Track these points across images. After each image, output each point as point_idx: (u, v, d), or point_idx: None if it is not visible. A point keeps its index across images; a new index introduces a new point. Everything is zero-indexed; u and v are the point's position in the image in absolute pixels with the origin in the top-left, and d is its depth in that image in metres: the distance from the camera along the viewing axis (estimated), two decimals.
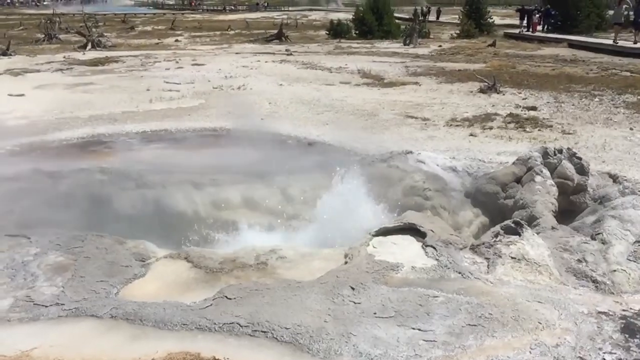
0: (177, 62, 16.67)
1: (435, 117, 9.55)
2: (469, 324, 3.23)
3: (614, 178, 6.12)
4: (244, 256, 4.28)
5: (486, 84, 11.95)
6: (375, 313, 3.36)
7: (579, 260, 4.09)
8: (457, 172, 6.47)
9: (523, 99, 11.09)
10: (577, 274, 3.97)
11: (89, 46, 20.92)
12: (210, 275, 4.06)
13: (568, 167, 5.92)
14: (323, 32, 29.36)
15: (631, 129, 8.55)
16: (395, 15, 30.56)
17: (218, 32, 30.30)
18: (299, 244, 4.91)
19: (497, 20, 31.13)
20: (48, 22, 25.49)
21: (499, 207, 5.82)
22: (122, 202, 6.02)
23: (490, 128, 8.75)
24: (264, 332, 3.20)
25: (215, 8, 62.94)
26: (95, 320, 3.40)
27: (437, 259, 4.05)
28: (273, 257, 4.24)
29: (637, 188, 5.73)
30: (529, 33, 26.36)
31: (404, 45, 22.88)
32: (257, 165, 6.72)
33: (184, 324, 3.30)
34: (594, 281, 3.85)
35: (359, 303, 3.47)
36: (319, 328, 3.20)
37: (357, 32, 27.54)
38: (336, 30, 27.62)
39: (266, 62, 16.93)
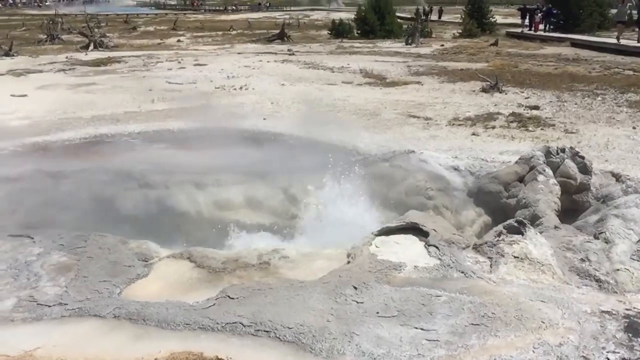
0: (179, 63, 16.68)
1: (437, 117, 9.54)
2: (472, 324, 3.23)
3: (617, 177, 6.10)
4: (246, 256, 4.28)
5: (488, 83, 11.93)
6: (378, 312, 3.36)
7: (582, 260, 4.08)
8: (460, 172, 6.46)
9: (525, 98, 11.07)
10: (580, 273, 3.96)
11: (92, 46, 20.96)
12: (213, 275, 4.07)
13: (571, 166, 5.91)
14: (325, 32, 29.36)
15: (634, 127, 8.53)
16: (397, 14, 30.55)
17: (220, 32, 30.31)
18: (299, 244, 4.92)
19: (499, 19, 31.09)
20: (50, 22, 25.49)
21: (501, 207, 5.82)
22: (124, 202, 6.03)
23: (493, 127, 8.74)
24: (267, 331, 3.20)
25: (217, 8, 62.92)
26: (98, 320, 3.41)
27: (439, 259, 4.04)
28: (275, 257, 4.24)
29: None
30: (531, 32, 26.36)
31: (406, 44, 22.87)
32: (257, 166, 6.76)
33: (186, 324, 3.30)
34: (597, 280, 3.84)
35: (362, 302, 3.46)
36: (322, 327, 3.20)
37: (359, 31, 27.53)
38: (338, 30, 27.62)
39: (268, 62, 16.93)
